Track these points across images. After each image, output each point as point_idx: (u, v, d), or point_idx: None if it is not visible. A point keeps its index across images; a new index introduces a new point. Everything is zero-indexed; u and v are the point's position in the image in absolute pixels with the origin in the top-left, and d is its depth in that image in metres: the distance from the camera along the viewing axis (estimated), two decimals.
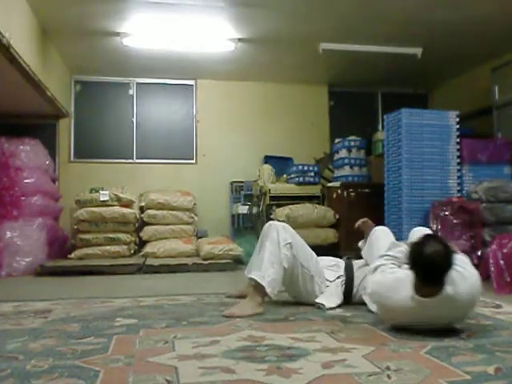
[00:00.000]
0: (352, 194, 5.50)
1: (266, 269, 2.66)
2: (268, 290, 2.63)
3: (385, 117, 5.12)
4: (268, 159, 6.70)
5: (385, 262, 2.32)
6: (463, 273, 2.09)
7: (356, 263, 2.93)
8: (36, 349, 1.96)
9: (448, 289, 2.02)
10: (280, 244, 2.71)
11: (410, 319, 2.12)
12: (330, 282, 2.86)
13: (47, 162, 5.87)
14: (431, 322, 2.10)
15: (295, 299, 2.96)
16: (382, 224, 5.01)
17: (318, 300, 2.78)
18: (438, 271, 1.99)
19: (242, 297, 2.86)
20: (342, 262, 2.96)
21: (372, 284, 2.31)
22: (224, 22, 4.90)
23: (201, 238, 6.03)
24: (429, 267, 1.99)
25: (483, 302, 2.82)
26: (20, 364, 1.74)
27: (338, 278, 2.87)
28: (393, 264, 2.31)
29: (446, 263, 1.99)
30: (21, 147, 5.46)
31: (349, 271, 2.87)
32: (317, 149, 6.77)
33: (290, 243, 2.74)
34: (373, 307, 2.42)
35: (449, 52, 5.76)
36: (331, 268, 2.92)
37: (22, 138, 5.57)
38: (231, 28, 5.08)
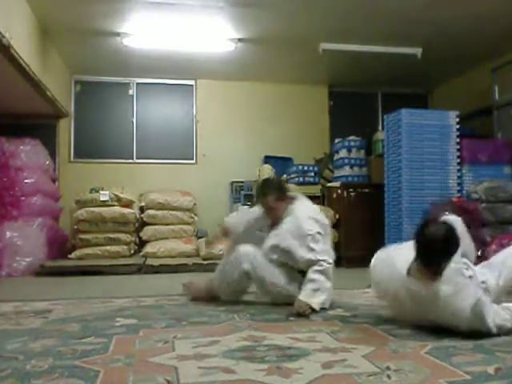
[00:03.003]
0: (352, 193, 5.50)
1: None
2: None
3: (385, 117, 5.12)
4: (268, 159, 6.70)
5: None
6: (467, 285, 2.05)
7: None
8: (36, 349, 1.96)
9: (443, 286, 1.99)
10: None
11: (400, 301, 2.14)
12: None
13: (47, 162, 5.87)
14: (418, 313, 2.11)
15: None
16: (382, 224, 5.03)
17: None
18: (434, 249, 2.00)
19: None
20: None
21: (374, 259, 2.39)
22: (224, 21, 4.90)
23: (201, 237, 6.03)
24: (426, 243, 2.02)
25: None
26: (20, 364, 1.74)
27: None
28: None
29: (443, 245, 1.99)
30: (21, 147, 5.46)
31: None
32: (317, 149, 6.76)
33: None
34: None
35: (449, 52, 5.76)
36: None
37: (22, 138, 5.56)
38: (231, 28, 5.08)
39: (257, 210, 3.09)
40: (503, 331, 2.06)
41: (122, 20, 4.85)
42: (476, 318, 2.00)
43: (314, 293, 2.63)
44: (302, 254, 2.72)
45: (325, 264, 2.69)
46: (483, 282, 2.37)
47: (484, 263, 2.52)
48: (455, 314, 2.01)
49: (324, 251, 2.75)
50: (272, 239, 2.85)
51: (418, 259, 2.05)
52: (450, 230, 2.05)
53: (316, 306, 2.60)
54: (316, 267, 2.68)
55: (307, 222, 2.80)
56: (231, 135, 6.92)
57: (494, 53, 5.76)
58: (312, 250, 2.71)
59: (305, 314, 2.53)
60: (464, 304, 1.99)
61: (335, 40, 5.39)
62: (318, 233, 2.77)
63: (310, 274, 2.68)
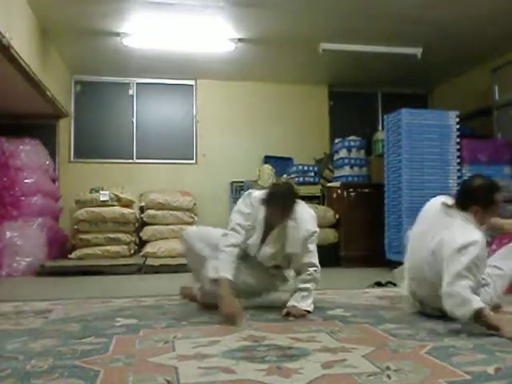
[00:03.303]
0: (352, 193, 5.50)
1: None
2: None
3: (385, 117, 5.12)
4: (268, 159, 6.70)
5: None
6: (471, 238, 2.21)
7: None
8: (36, 349, 1.95)
9: (461, 219, 2.32)
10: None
11: (427, 223, 2.49)
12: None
13: (47, 162, 5.87)
14: (430, 241, 2.38)
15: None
16: (382, 224, 5.03)
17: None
18: (465, 188, 2.46)
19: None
20: None
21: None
22: (224, 21, 4.90)
23: None
24: (465, 182, 2.56)
25: None
26: (20, 364, 1.74)
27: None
28: None
29: (475, 188, 2.40)
30: (21, 147, 5.46)
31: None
32: (317, 149, 6.76)
33: None
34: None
35: (449, 52, 5.76)
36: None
37: (22, 138, 5.57)
38: (231, 28, 5.08)
39: (241, 224, 2.96)
40: (454, 310, 2.14)
41: (121, 20, 4.85)
42: (451, 260, 2.18)
43: (303, 298, 2.67)
44: (302, 259, 2.71)
45: (313, 271, 2.69)
46: (483, 279, 2.40)
47: (490, 260, 2.60)
48: (448, 244, 2.24)
49: (315, 251, 2.76)
50: (274, 245, 2.75)
51: (455, 199, 2.44)
52: (487, 184, 2.41)
53: (309, 309, 2.64)
54: (305, 276, 2.68)
55: (314, 222, 2.80)
56: (231, 135, 6.91)
57: (494, 53, 5.76)
58: (309, 251, 2.71)
59: (296, 315, 2.56)
60: (458, 240, 2.20)
61: (336, 40, 5.39)
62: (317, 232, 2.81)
63: (301, 284, 2.68)
